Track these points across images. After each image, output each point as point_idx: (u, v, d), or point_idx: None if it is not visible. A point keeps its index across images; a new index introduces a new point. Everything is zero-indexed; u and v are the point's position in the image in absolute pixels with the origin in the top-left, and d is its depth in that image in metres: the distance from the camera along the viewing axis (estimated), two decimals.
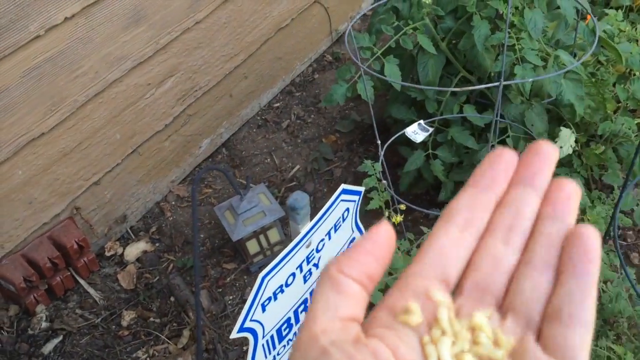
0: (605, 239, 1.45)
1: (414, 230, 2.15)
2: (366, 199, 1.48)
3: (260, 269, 1.03)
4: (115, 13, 1.94)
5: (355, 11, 3.28)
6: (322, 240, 1.15)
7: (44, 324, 1.98)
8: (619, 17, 2.24)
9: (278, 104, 2.87)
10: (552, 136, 2.05)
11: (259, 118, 2.81)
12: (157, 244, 2.29)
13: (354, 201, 1.21)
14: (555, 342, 0.30)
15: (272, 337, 1.13)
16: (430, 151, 2.10)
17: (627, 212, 2.18)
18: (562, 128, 2.05)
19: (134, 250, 2.25)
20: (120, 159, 2.19)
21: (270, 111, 2.84)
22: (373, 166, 1.48)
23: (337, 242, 1.21)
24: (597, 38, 1.68)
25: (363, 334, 0.33)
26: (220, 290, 2.15)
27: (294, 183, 2.52)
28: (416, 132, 1.66)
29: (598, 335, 1.55)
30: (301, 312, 1.19)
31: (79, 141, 2.01)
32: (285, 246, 1.05)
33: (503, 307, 0.33)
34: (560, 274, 0.32)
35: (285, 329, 1.16)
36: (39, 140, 1.89)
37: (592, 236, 0.32)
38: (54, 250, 1.99)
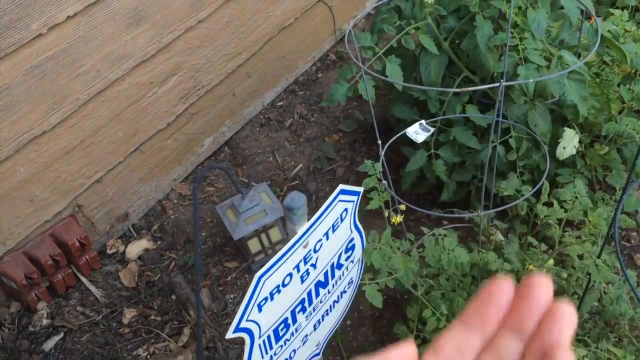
0: (607, 240, 1.44)
1: (416, 230, 2.15)
2: (366, 199, 1.48)
3: (262, 267, 1.03)
4: (117, 12, 1.95)
5: (359, 10, 3.27)
6: (320, 240, 1.14)
7: (45, 321, 1.99)
8: (624, 17, 2.22)
9: (281, 103, 2.87)
10: (556, 137, 2.04)
11: (262, 117, 2.80)
12: (158, 242, 2.30)
13: (353, 201, 1.20)
14: None
15: (268, 337, 1.12)
16: (432, 151, 2.09)
17: (632, 213, 2.16)
18: (565, 128, 2.03)
19: (135, 248, 2.25)
20: (122, 157, 2.19)
21: (274, 110, 2.84)
22: (373, 166, 1.47)
23: (335, 243, 1.21)
24: (599, 37, 1.66)
25: None
26: (222, 288, 2.15)
27: (297, 182, 2.51)
28: (417, 132, 1.65)
29: (599, 337, 1.54)
30: (298, 312, 1.19)
31: (81, 139, 2.01)
32: None
33: None
34: None
35: (282, 329, 1.16)
36: (41, 138, 1.90)
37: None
38: (55, 247, 1.99)
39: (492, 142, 1.94)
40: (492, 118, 1.34)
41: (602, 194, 1.89)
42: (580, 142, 2.06)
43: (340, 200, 1.15)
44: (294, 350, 1.24)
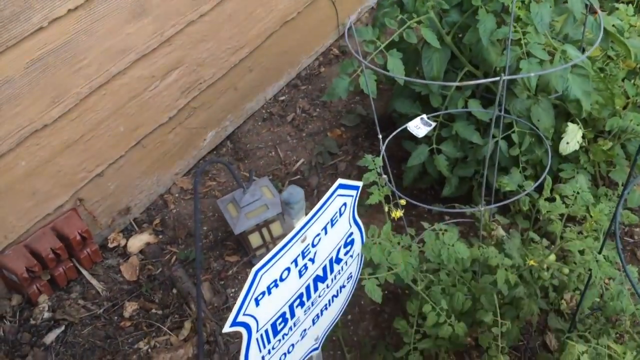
0: (609, 236, 1.43)
1: (418, 225, 2.14)
2: (367, 194, 1.47)
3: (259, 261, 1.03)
4: (118, 5, 1.94)
5: (363, 4, 3.25)
6: (318, 235, 1.14)
7: (46, 314, 1.99)
8: (629, 12, 2.20)
9: (283, 98, 2.86)
10: (559, 132, 2.02)
11: (264, 111, 2.80)
12: (160, 236, 2.30)
13: (352, 196, 1.20)
14: None
15: (266, 331, 1.12)
16: (434, 146, 2.08)
17: (635, 209, 2.15)
18: (569, 124, 2.02)
19: (137, 242, 2.25)
20: (124, 151, 2.19)
21: (276, 104, 2.83)
22: (374, 160, 1.46)
23: (334, 237, 1.20)
24: (601, 31, 1.65)
25: None
26: (223, 282, 2.15)
27: (298, 177, 2.51)
28: (418, 126, 1.64)
29: (600, 333, 1.53)
30: (296, 306, 1.19)
31: (82, 133, 2.01)
32: None
33: None
34: None
35: (280, 324, 1.16)
36: (43, 132, 1.90)
37: None
38: (56, 241, 2.00)
39: (494, 136, 1.93)
40: (493, 112, 1.33)
41: (605, 190, 1.88)
42: (583, 137, 2.05)
43: (339, 195, 1.15)
44: (292, 345, 1.24)
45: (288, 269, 1.09)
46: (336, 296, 1.34)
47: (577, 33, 2.01)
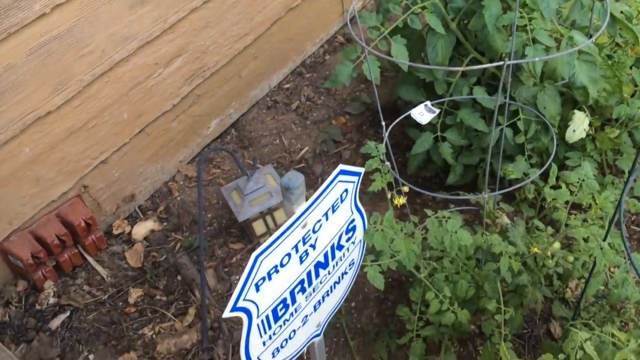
0: (614, 224, 1.41)
1: (422, 213, 2.13)
2: (370, 181, 1.46)
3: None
4: None
5: None
6: (319, 221, 1.13)
7: (51, 300, 2.01)
8: None
9: (288, 85, 2.85)
10: (566, 119, 2.00)
11: (268, 99, 2.79)
12: (164, 223, 2.30)
13: (353, 182, 1.19)
14: None
15: (267, 317, 1.12)
16: (439, 134, 2.07)
17: None
18: (575, 111, 2.00)
19: (141, 229, 2.26)
20: (127, 139, 2.19)
21: (280, 92, 2.82)
22: (376, 148, 1.45)
23: (335, 223, 1.20)
24: (608, 16, 1.62)
25: None
26: (227, 269, 2.15)
27: (303, 164, 2.50)
28: (422, 113, 1.63)
29: (604, 321, 1.52)
30: (297, 292, 1.18)
31: (85, 120, 2.01)
32: None
33: None
34: None
35: (281, 310, 1.16)
36: (46, 119, 1.90)
37: None
38: (61, 227, 2.01)
39: (500, 124, 1.92)
40: (497, 99, 1.32)
41: (612, 178, 1.86)
42: (590, 125, 2.03)
43: (340, 181, 1.14)
44: (294, 331, 1.24)
45: (289, 255, 1.09)
46: (338, 283, 1.34)
47: (585, 19, 1.98)
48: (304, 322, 1.27)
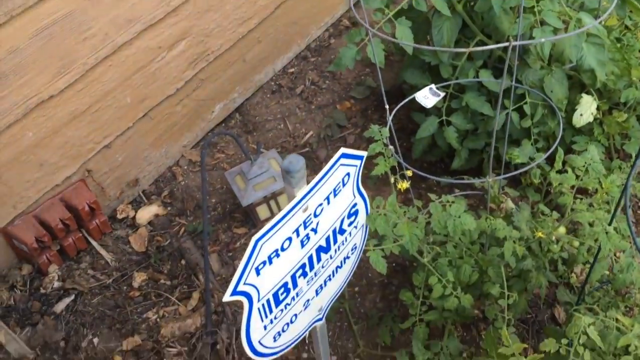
0: (620, 208, 1.40)
1: (427, 198, 2.11)
2: (374, 165, 1.45)
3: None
4: None
5: None
6: (321, 205, 1.12)
7: (56, 284, 2.02)
8: None
9: (292, 70, 2.83)
10: (573, 103, 1.98)
11: (273, 83, 2.77)
12: (168, 208, 2.30)
13: (355, 166, 1.18)
14: None
15: (268, 301, 1.12)
16: (444, 118, 2.05)
17: None
18: (583, 95, 1.97)
19: (145, 214, 2.26)
20: (131, 123, 2.19)
21: (285, 76, 2.80)
22: (380, 131, 1.44)
23: (337, 207, 1.19)
24: None
25: None
26: (231, 254, 2.15)
27: (307, 149, 2.49)
28: (427, 96, 1.61)
29: (608, 306, 1.51)
30: (299, 277, 1.18)
31: (89, 104, 2.01)
32: None
33: None
34: None
35: (282, 294, 1.15)
36: (49, 103, 1.89)
37: None
38: (65, 211, 2.01)
39: (506, 108, 1.89)
40: (501, 82, 1.30)
41: (619, 162, 1.84)
42: (598, 109, 2.00)
43: (341, 165, 1.13)
44: (295, 315, 1.24)
45: (289, 239, 1.08)
46: (340, 267, 1.33)
47: (594, 1, 1.94)
48: (306, 306, 1.26)
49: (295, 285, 1.18)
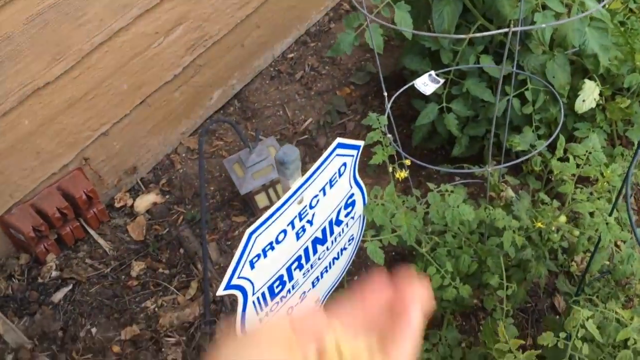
0: (621, 197, 1.37)
1: (426, 187, 2.09)
2: (372, 154, 1.43)
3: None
4: None
5: None
6: (316, 196, 1.10)
7: (54, 273, 2.01)
8: None
9: (292, 55, 2.79)
10: (575, 89, 1.95)
11: (272, 69, 2.74)
12: (167, 196, 2.29)
13: (352, 156, 1.16)
14: None
15: (263, 294, 1.11)
16: (444, 104, 2.02)
17: None
18: (586, 80, 1.94)
19: (143, 202, 2.25)
20: (128, 110, 2.16)
21: (284, 62, 2.77)
22: (378, 119, 1.41)
23: (333, 199, 1.17)
24: None
25: None
26: (229, 243, 2.14)
27: (306, 136, 2.47)
28: (426, 83, 1.58)
29: (608, 297, 1.50)
30: (295, 269, 1.17)
31: (85, 91, 1.98)
32: None
33: None
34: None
35: (277, 286, 1.14)
36: (45, 90, 1.87)
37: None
38: (62, 200, 2.00)
39: (507, 94, 1.86)
40: (502, 67, 1.27)
41: (622, 149, 1.81)
42: (600, 94, 1.97)
43: (337, 155, 1.11)
44: (291, 307, 1.23)
45: (284, 231, 1.07)
46: (337, 258, 1.32)
47: None
48: (302, 298, 1.25)
49: (290, 277, 1.17)
